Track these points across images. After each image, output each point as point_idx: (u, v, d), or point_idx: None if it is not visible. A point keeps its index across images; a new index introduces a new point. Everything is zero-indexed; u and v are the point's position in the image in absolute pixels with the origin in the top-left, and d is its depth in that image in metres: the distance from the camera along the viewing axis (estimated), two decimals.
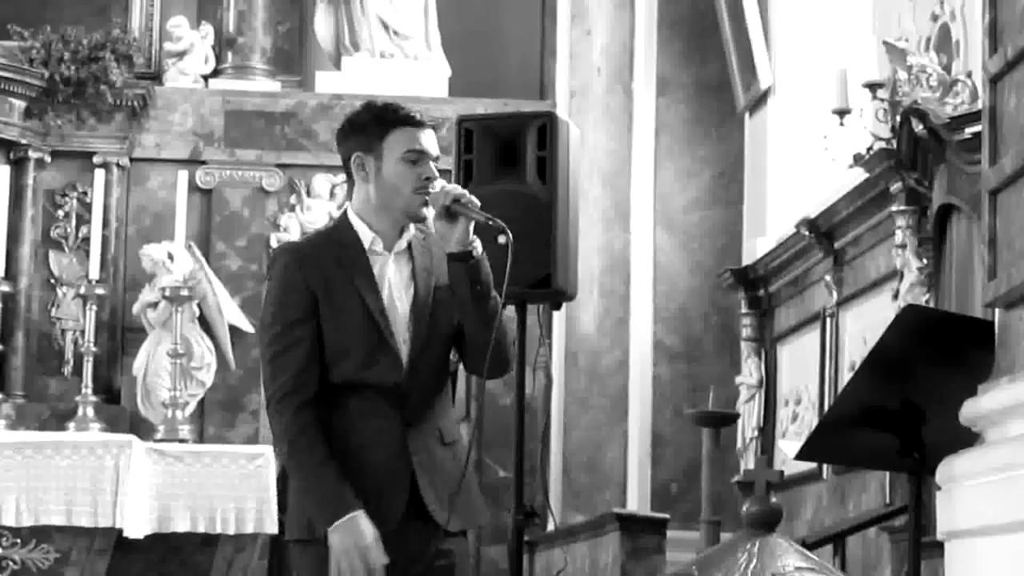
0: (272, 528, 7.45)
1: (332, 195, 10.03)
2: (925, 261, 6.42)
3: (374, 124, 3.79)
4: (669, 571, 7.09)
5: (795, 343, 8.33)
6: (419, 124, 3.77)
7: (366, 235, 3.77)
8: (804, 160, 8.44)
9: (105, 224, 9.22)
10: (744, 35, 8.83)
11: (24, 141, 9.61)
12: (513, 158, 4.38)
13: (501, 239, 3.68)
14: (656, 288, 9.82)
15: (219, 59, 10.21)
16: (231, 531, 7.30)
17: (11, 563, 7.04)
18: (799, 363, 8.21)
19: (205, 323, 9.54)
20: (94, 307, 8.58)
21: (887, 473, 6.65)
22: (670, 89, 9.89)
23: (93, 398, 8.54)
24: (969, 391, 3.41)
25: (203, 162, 9.96)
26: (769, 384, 8.56)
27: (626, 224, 9.92)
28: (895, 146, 6.47)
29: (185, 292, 8.65)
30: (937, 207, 6.06)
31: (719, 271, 9.03)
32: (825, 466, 7.56)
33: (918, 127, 6.06)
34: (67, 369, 9.65)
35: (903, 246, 6.55)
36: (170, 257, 9.22)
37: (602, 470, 9.86)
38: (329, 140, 10.03)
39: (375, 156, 3.77)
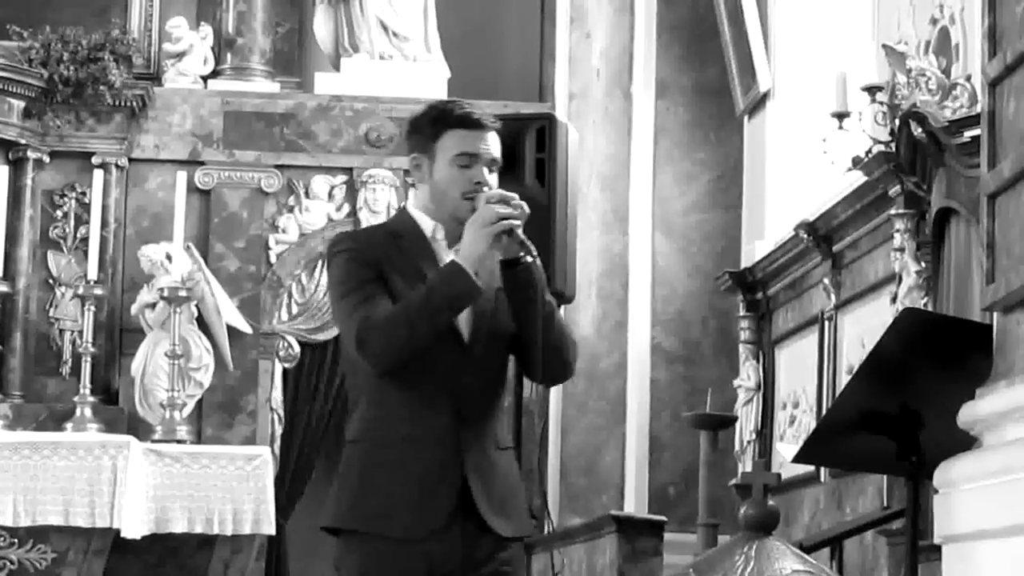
0: (269, 529, 7.45)
1: (331, 196, 10.02)
2: (923, 265, 6.42)
3: (430, 125, 3.72)
4: (666, 574, 7.09)
5: (793, 346, 8.33)
6: (476, 126, 3.69)
7: (427, 224, 3.71)
8: (803, 163, 8.44)
9: (104, 225, 9.22)
10: (743, 38, 8.83)
11: (23, 141, 9.60)
12: (512, 160, 4.39)
13: (527, 259, 3.61)
14: (654, 291, 9.81)
15: (218, 60, 10.21)
16: (228, 532, 7.30)
17: (8, 563, 7.04)
18: (797, 366, 8.21)
19: (203, 324, 9.54)
20: (92, 307, 8.58)
21: (885, 477, 6.65)
22: (669, 93, 9.89)
23: (91, 399, 8.54)
24: (967, 395, 3.41)
25: (202, 163, 9.95)
26: (767, 387, 8.56)
27: (625, 227, 9.92)
28: (894, 149, 6.47)
29: (183, 293, 8.66)
30: (936, 211, 6.06)
31: (717, 274, 9.03)
32: (823, 469, 7.56)
33: (917, 131, 6.06)
34: (65, 369, 9.64)
35: (901, 250, 6.55)
36: (168, 258, 9.21)
37: (600, 473, 9.86)
38: (328, 141, 10.04)
39: (429, 157, 3.70)
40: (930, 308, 6.18)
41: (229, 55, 10.20)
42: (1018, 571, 3.05)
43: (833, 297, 7.67)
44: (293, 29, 10.58)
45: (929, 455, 3.74)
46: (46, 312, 9.72)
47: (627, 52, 10.09)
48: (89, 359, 8.47)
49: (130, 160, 9.87)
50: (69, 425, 8.39)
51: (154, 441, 7.83)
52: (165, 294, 8.74)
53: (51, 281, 9.74)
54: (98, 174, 9.05)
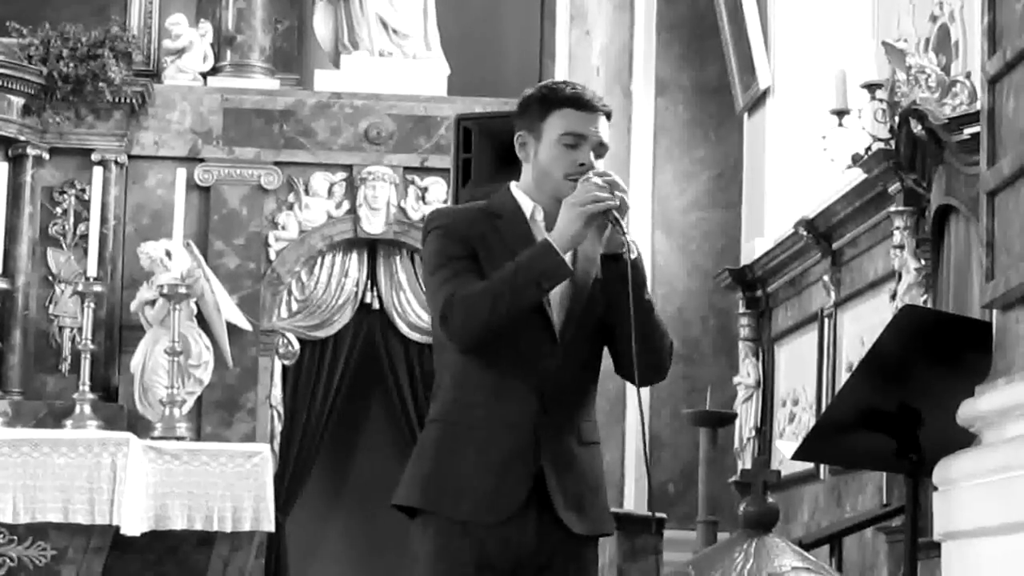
0: (269, 527, 7.45)
1: (330, 193, 10.02)
2: (923, 262, 6.42)
3: (538, 103, 3.62)
4: (666, 571, 7.10)
5: (793, 343, 8.33)
6: (586, 107, 3.58)
7: (527, 204, 3.62)
8: (802, 161, 8.44)
9: (103, 221, 9.22)
10: (743, 36, 8.83)
11: (22, 138, 9.60)
12: (512, 157, 4.38)
13: (629, 254, 3.50)
14: (654, 289, 9.77)
15: (218, 57, 10.21)
16: (228, 529, 7.30)
17: (8, 560, 7.05)
18: (797, 363, 8.21)
19: (203, 321, 9.54)
20: (92, 304, 8.58)
21: (884, 474, 6.65)
22: (669, 91, 9.89)
23: (90, 396, 8.55)
24: (966, 392, 3.41)
25: (201, 160, 9.95)
26: (767, 384, 8.56)
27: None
28: (893, 147, 6.46)
29: (183, 290, 8.66)
30: (935, 208, 6.05)
31: (717, 272, 9.03)
32: (822, 467, 7.56)
33: (917, 128, 6.05)
34: (64, 366, 9.64)
35: (901, 247, 6.54)
36: (168, 255, 9.21)
37: None
38: (328, 139, 10.04)
39: (535, 136, 3.61)
40: (930, 305, 6.17)
41: (229, 52, 10.20)
42: (1017, 568, 3.05)
43: (833, 294, 7.67)
44: (293, 26, 10.58)
45: (928, 452, 3.74)
46: (46, 309, 9.72)
47: (627, 50, 10.09)
48: (89, 356, 8.48)
49: (130, 157, 9.87)
50: (69, 422, 8.39)
51: (154, 438, 7.84)
52: (165, 291, 8.74)
53: (51, 278, 9.74)
54: (98, 171, 9.06)
